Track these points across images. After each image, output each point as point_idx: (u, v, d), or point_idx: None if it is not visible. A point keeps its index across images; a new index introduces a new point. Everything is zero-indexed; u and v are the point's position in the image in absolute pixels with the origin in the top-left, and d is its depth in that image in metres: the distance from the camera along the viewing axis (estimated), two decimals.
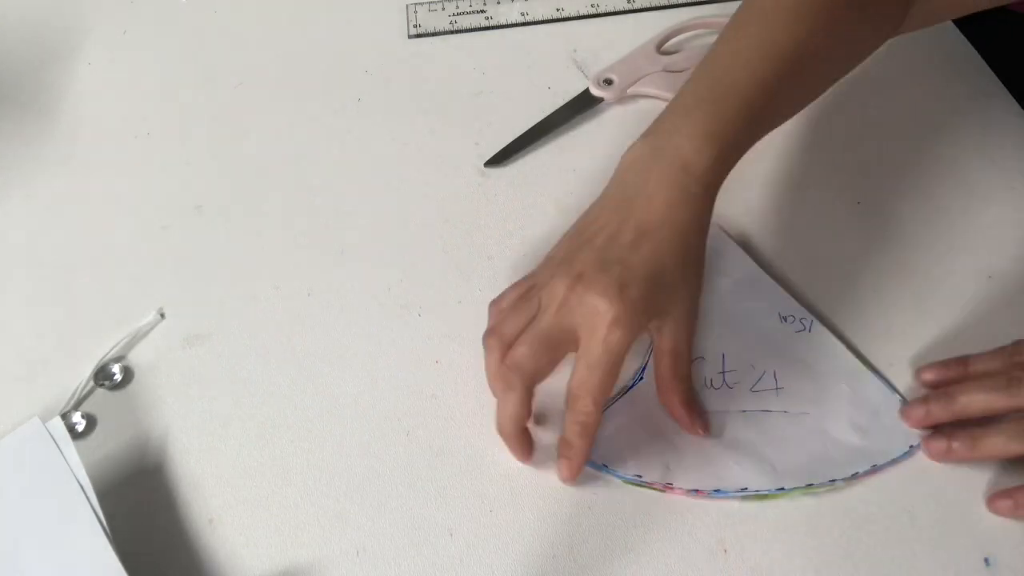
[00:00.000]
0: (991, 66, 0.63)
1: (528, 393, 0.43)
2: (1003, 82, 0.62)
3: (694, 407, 0.46)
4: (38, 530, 0.42)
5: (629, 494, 0.45)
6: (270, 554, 0.45)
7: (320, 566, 0.44)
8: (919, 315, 0.51)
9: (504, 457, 0.47)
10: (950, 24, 0.65)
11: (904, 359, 0.49)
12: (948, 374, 0.47)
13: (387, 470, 0.47)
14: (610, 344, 0.41)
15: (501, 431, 0.45)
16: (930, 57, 0.63)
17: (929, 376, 0.47)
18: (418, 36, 0.69)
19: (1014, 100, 0.61)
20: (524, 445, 0.45)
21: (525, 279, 0.47)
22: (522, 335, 0.43)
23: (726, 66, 0.46)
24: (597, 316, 0.41)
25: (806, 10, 0.46)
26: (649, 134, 0.47)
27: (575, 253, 0.44)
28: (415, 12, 0.70)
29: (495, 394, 0.45)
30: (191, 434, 0.49)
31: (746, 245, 0.54)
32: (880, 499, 0.45)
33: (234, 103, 0.65)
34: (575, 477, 0.44)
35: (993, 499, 0.43)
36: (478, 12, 0.70)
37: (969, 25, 0.65)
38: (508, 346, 0.43)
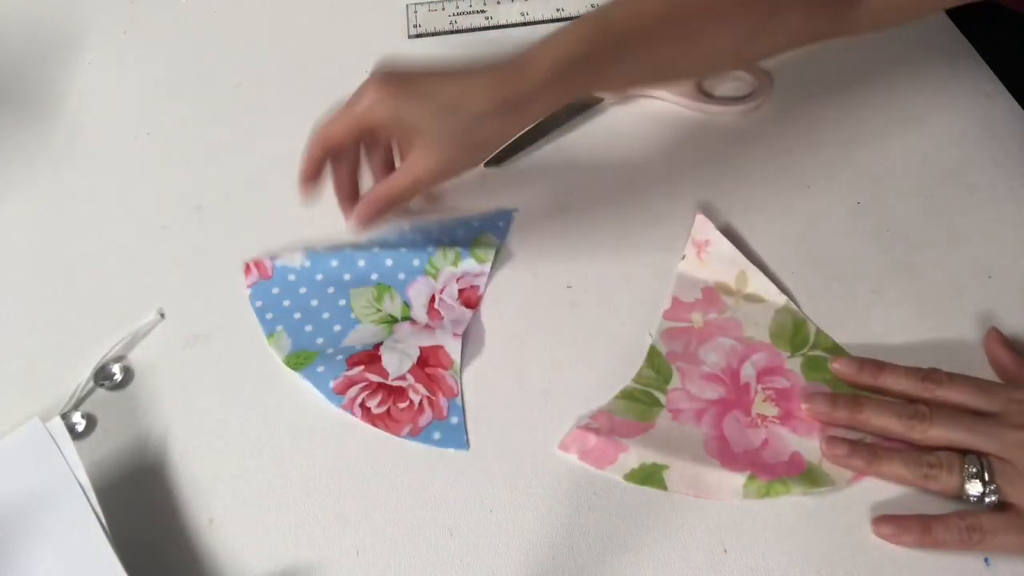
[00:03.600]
0: (991, 66, 0.63)
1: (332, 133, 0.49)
2: (1003, 82, 0.62)
3: (362, 199, 0.50)
4: (38, 530, 0.42)
5: (629, 494, 0.45)
6: (270, 554, 0.45)
7: (320, 566, 0.44)
8: (919, 315, 0.51)
9: (503, 458, 0.47)
10: (950, 24, 0.65)
11: (904, 359, 0.49)
12: (859, 377, 0.48)
13: (387, 470, 0.47)
14: (359, 95, 0.47)
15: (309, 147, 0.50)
16: (930, 57, 0.63)
17: (839, 367, 0.48)
18: (418, 36, 0.69)
19: (1014, 100, 0.61)
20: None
21: None
22: None
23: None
24: (371, 85, 0.47)
25: None
26: None
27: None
28: (415, 12, 0.70)
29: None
30: (191, 434, 0.49)
31: (745, 245, 0.54)
32: (880, 499, 0.45)
33: (234, 103, 0.65)
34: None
35: (877, 521, 0.43)
36: (478, 12, 0.70)
37: (969, 25, 0.65)
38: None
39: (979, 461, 0.43)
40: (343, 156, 0.51)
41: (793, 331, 0.51)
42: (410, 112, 0.46)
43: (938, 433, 0.44)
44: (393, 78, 0.46)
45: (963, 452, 0.43)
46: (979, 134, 0.60)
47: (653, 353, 0.50)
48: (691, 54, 0.50)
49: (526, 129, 0.50)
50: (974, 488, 0.42)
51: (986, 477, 0.42)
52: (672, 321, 0.51)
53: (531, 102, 0.46)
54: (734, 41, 0.49)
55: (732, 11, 0.48)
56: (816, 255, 0.54)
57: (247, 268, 0.55)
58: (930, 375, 0.46)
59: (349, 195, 0.52)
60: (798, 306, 0.51)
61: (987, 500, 0.42)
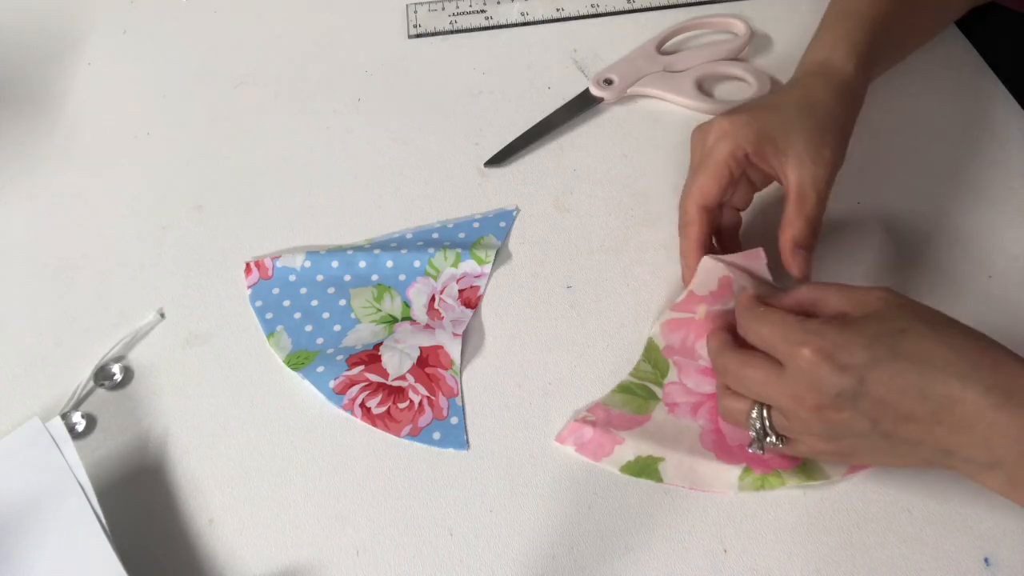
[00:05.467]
0: (991, 66, 0.63)
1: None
2: (1003, 82, 0.62)
3: (800, 250, 0.48)
4: (38, 530, 0.42)
5: (629, 494, 0.46)
6: (270, 554, 0.45)
7: (320, 566, 0.44)
8: None
9: (503, 458, 0.47)
10: (950, 24, 0.65)
11: None
12: (792, 299, 0.44)
13: (387, 470, 0.47)
14: (710, 148, 0.49)
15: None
16: (930, 57, 0.63)
17: (796, 265, 0.48)
18: (418, 36, 0.69)
19: (1014, 100, 0.61)
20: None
21: None
22: None
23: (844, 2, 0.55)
24: (710, 131, 0.50)
25: None
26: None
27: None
28: (415, 12, 0.70)
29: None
30: (191, 434, 0.49)
31: (745, 245, 0.54)
32: (880, 498, 0.45)
33: (234, 103, 0.65)
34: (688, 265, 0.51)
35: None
36: (478, 12, 0.70)
37: (969, 25, 0.65)
38: None
39: (760, 414, 0.42)
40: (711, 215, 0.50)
41: None
42: (774, 123, 0.48)
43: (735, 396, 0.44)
44: (732, 113, 0.49)
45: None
46: (979, 134, 0.60)
47: (650, 347, 0.50)
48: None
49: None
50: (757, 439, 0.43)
51: (766, 428, 0.42)
52: (677, 312, 0.51)
53: (857, 85, 0.51)
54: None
55: None
56: (816, 255, 0.54)
57: (247, 268, 0.55)
58: (815, 327, 0.42)
59: (701, 254, 0.50)
60: None
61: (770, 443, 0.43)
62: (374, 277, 0.54)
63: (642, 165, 0.60)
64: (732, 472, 0.45)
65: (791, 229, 0.48)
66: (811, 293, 0.43)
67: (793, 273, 0.48)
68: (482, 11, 0.70)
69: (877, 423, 0.39)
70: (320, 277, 0.55)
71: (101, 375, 0.51)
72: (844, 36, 0.52)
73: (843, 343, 0.39)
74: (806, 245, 0.48)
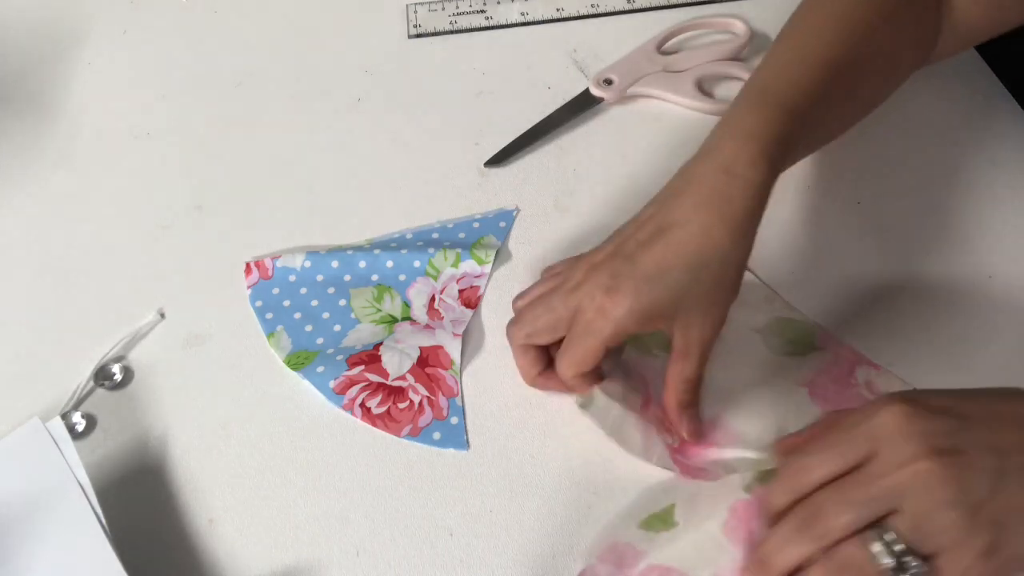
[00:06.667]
0: (991, 66, 0.63)
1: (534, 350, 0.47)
2: (1003, 82, 0.62)
3: (686, 410, 0.46)
4: (38, 530, 0.42)
5: (629, 495, 0.45)
6: (270, 554, 0.45)
7: (320, 566, 0.44)
8: (919, 315, 0.51)
9: (503, 458, 0.47)
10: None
11: (905, 359, 0.49)
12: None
13: (387, 470, 0.47)
14: (587, 323, 0.43)
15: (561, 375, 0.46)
16: None
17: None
18: (418, 36, 0.69)
19: (1015, 100, 0.61)
20: (556, 386, 0.47)
21: (554, 268, 0.50)
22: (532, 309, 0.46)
23: (770, 76, 0.47)
24: (592, 302, 0.43)
25: (844, 24, 0.48)
26: (705, 140, 0.46)
27: (604, 243, 0.46)
28: (415, 12, 0.70)
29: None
30: (191, 434, 0.49)
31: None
32: None
33: (234, 103, 0.65)
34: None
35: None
36: (478, 12, 0.70)
37: None
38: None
39: (878, 534, 0.35)
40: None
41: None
42: (662, 298, 0.42)
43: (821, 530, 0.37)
44: (612, 289, 0.42)
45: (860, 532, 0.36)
46: (979, 134, 0.60)
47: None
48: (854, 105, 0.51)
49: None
50: (886, 560, 0.34)
51: (895, 546, 0.35)
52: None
53: (759, 197, 0.43)
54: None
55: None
56: (816, 255, 0.54)
57: (248, 268, 0.55)
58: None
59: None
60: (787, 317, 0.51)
61: (913, 568, 0.34)
62: (374, 277, 0.54)
63: (642, 165, 0.60)
64: None
65: (675, 393, 0.45)
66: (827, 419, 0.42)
67: (683, 435, 0.46)
68: (482, 11, 0.70)
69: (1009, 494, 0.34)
70: (320, 277, 0.55)
71: (101, 375, 0.51)
72: (758, 132, 0.44)
73: (917, 398, 0.37)
74: (691, 404, 0.46)
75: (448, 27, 0.69)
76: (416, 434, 0.48)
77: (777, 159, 0.44)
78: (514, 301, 0.49)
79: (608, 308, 0.42)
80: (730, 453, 0.46)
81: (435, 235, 0.56)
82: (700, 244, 0.42)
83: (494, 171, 0.60)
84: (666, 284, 0.42)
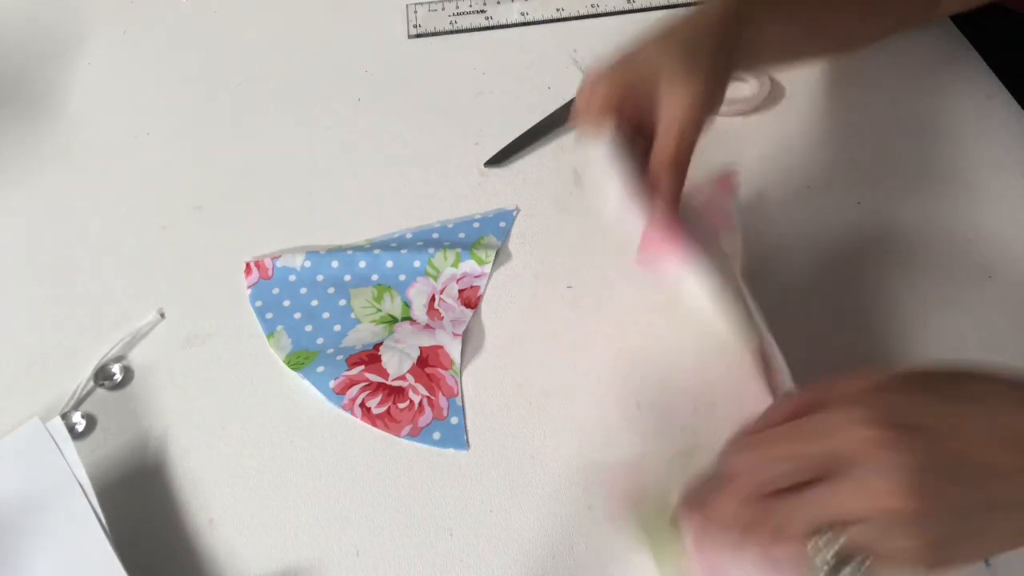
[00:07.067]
0: (991, 66, 0.63)
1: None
2: (1003, 82, 0.62)
3: (673, 177, 0.46)
4: (38, 530, 0.42)
5: None
6: (270, 554, 0.45)
7: (320, 566, 0.44)
8: (919, 315, 0.51)
9: (503, 458, 0.47)
10: (950, 24, 0.65)
11: (905, 359, 0.49)
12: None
13: (387, 470, 0.47)
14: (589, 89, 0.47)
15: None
16: (930, 57, 0.63)
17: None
18: (418, 36, 0.69)
19: (1014, 100, 0.61)
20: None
21: None
22: None
23: None
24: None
25: None
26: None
27: None
28: (415, 12, 0.70)
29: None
30: (191, 434, 0.49)
31: (744, 244, 0.54)
32: None
33: (234, 103, 0.65)
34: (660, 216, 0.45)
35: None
36: (478, 12, 0.70)
37: (969, 25, 0.65)
38: None
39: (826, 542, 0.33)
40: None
41: None
42: (650, 58, 0.48)
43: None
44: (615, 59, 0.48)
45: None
46: (979, 134, 0.60)
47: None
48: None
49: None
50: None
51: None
52: None
53: (735, 28, 0.47)
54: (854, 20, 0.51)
55: None
56: (816, 255, 0.54)
57: (248, 268, 0.55)
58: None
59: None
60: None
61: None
62: (374, 277, 0.54)
63: None
64: None
65: (662, 153, 0.46)
66: (808, 396, 0.36)
67: (655, 203, 0.45)
68: (482, 11, 0.70)
69: (968, 488, 0.32)
70: (320, 277, 0.55)
71: (101, 375, 0.51)
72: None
73: (895, 404, 0.33)
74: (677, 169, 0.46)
75: (448, 27, 0.69)
76: (416, 434, 0.48)
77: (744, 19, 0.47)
78: None
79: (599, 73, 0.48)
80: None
81: (435, 235, 0.56)
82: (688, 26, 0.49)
83: (494, 171, 0.60)
84: (652, 45, 0.48)
